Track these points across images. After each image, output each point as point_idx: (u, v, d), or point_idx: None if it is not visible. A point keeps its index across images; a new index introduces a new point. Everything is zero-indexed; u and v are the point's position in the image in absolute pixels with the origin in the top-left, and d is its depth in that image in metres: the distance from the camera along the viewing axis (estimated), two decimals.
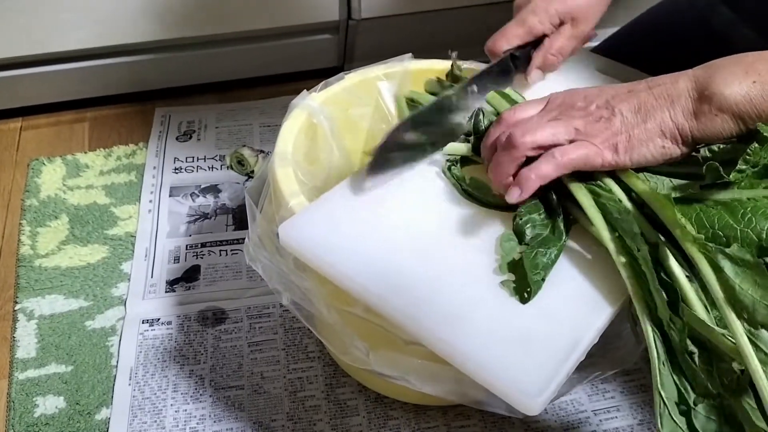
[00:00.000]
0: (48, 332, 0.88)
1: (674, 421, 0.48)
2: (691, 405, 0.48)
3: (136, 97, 1.24)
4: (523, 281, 0.56)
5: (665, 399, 0.49)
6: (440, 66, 0.81)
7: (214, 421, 0.80)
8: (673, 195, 0.55)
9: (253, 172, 1.09)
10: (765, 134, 0.51)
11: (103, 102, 1.23)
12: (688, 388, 0.49)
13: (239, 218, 1.04)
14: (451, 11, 1.23)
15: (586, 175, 0.58)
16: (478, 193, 0.63)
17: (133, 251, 0.98)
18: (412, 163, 0.67)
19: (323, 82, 0.79)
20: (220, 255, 0.98)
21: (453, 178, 0.65)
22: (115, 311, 0.91)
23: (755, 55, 0.54)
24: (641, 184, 0.56)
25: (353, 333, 0.63)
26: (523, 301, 0.55)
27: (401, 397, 0.81)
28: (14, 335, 0.88)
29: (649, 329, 0.51)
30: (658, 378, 0.49)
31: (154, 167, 1.12)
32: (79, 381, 0.83)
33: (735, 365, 0.49)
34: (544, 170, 0.57)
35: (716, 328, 0.49)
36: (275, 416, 0.80)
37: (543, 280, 0.56)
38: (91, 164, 1.11)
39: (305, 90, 0.77)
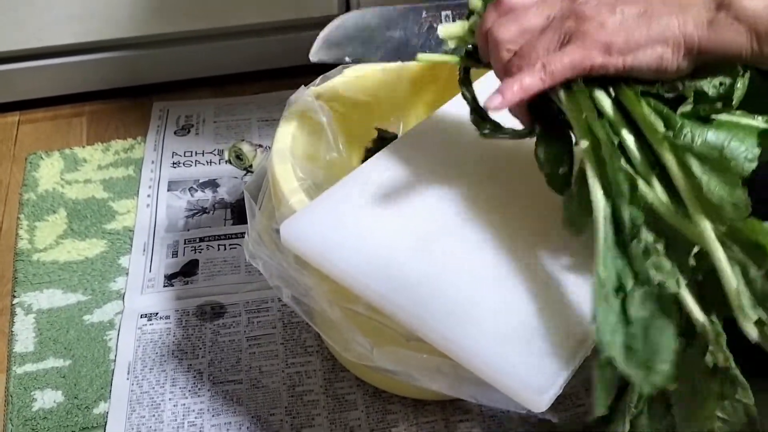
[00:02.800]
0: (46, 326, 0.88)
1: (607, 302, 0.47)
2: (628, 290, 0.47)
3: (134, 91, 1.23)
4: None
5: (603, 280, 0.48)
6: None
7: (213, 416, 0.80)
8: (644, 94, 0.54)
9: (251, 166, 1.09)
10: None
11: (101, 96, 1.22)
12: (629, 274, 0.48)
13: (238, 213, 1.04)
14: None
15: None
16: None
17: (132, 246, 0.98)
18: (360, 50, 0.67)
19: (321, 76, 0.79)
20: (219, 249, 0.98)
21: (468, 94, 0.62)
22: (113, 305, 0.91)
23: None
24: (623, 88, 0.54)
25: (356, 329, 0.63)
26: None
27: (400, 392, 0.82)
28: (12, 329, 0.88)
29: (601, 212, 0.50)
30: (602, 259, 0.48)
31: (153, 161, 1.11)
32: (77, 375, 0.84)
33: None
34: (527, 82, 0.52)
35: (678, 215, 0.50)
36: (274, 410, 0.81)
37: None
38: (89, 158, 1.11)
39: (303, 86, 0.77)
